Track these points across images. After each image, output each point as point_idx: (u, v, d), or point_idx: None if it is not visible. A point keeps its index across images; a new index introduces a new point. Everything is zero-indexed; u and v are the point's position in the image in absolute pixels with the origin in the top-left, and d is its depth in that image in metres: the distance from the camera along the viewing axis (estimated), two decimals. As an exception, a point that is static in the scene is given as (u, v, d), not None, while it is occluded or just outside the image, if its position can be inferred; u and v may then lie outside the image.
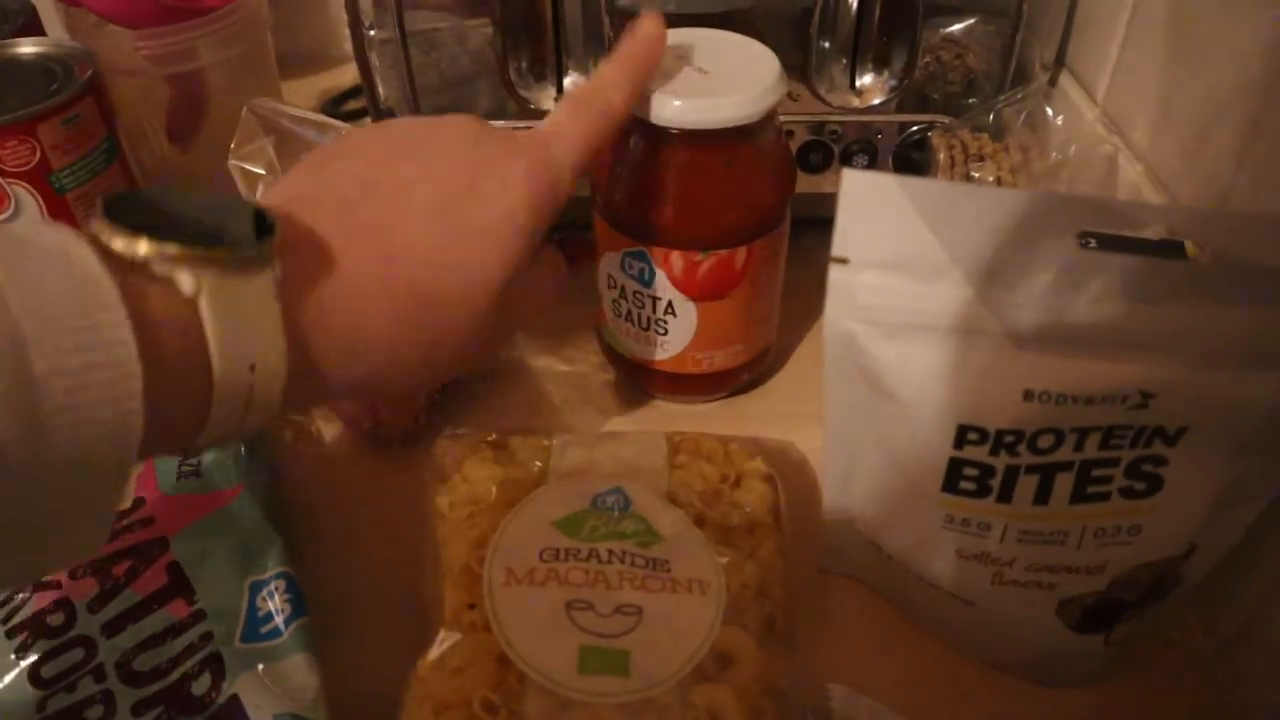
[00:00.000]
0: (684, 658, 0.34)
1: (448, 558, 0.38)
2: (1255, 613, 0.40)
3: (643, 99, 0.42)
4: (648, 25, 0.41)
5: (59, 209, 0.53)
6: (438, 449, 0.43)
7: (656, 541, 0.37)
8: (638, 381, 0.52)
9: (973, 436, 0.34)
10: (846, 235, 0.33)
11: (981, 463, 0.35)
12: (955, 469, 0.35)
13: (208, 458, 0.45)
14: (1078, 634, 0.39)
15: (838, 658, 0.42)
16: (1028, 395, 0.33)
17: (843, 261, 0.33)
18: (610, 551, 0.37)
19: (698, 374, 0.49)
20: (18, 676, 0.38)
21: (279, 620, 0.39)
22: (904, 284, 0.33)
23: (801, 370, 0.55)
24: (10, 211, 0.52)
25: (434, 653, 0.35)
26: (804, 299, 0.53)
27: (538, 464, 0.41)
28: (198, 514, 0.43)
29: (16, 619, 0.40)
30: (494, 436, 0.43)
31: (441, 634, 0.36)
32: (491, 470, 0.41)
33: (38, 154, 0.51)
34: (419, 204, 0.34)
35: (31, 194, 0.52)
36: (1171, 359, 0.32)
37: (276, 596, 0.40)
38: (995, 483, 0.35)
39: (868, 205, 0.32)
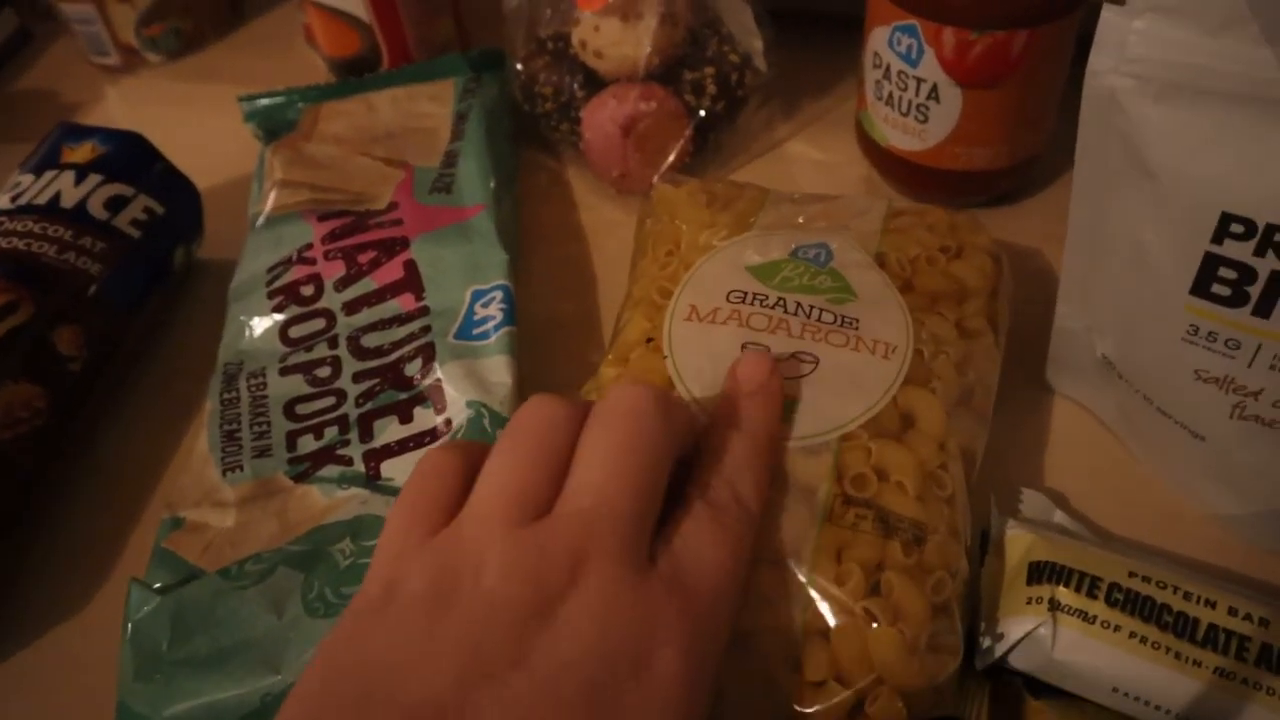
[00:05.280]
0: (853, 413, 0.32)
1: (638, 291, 0.39)
2: None
3: None
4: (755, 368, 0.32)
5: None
6: (656, 191, 0.43)
7: (850, 299, 0.36)
8: (889, 174, 0.50)
9: (1237, 229, 0.30)
10: (1126, -34, 0.29)
11: (1242, 263, 0.30)
12: (1209, 267, 0.31)
13: (461, 176, 0.47)
14: (1327, 498, 0.34)
15: (1040, 471, 0.39)
16: (1314, 185, 0.28)
17: (1118, 1, 0.29)
18: (798, 304, 0.35)
19: (953, 170, 0.46)
20: (271, 329, 0.43)
21: (490, 325, 0.41)
22: (1185, 35, 0.28)
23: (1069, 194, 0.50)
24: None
25: (602, 372, 0.36)
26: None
27: (750, 219, 0.40)
28: (440, 223, 0.45)
29: (277, 284, 0.44)
30: (715, 184, 0.43)
31: (612, 356, 0.36)
32: (702, 215, 0.40)
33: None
34: None
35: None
36: None
37: (493, 305, 0.42)
38: (1255, 290, 0.30)
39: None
